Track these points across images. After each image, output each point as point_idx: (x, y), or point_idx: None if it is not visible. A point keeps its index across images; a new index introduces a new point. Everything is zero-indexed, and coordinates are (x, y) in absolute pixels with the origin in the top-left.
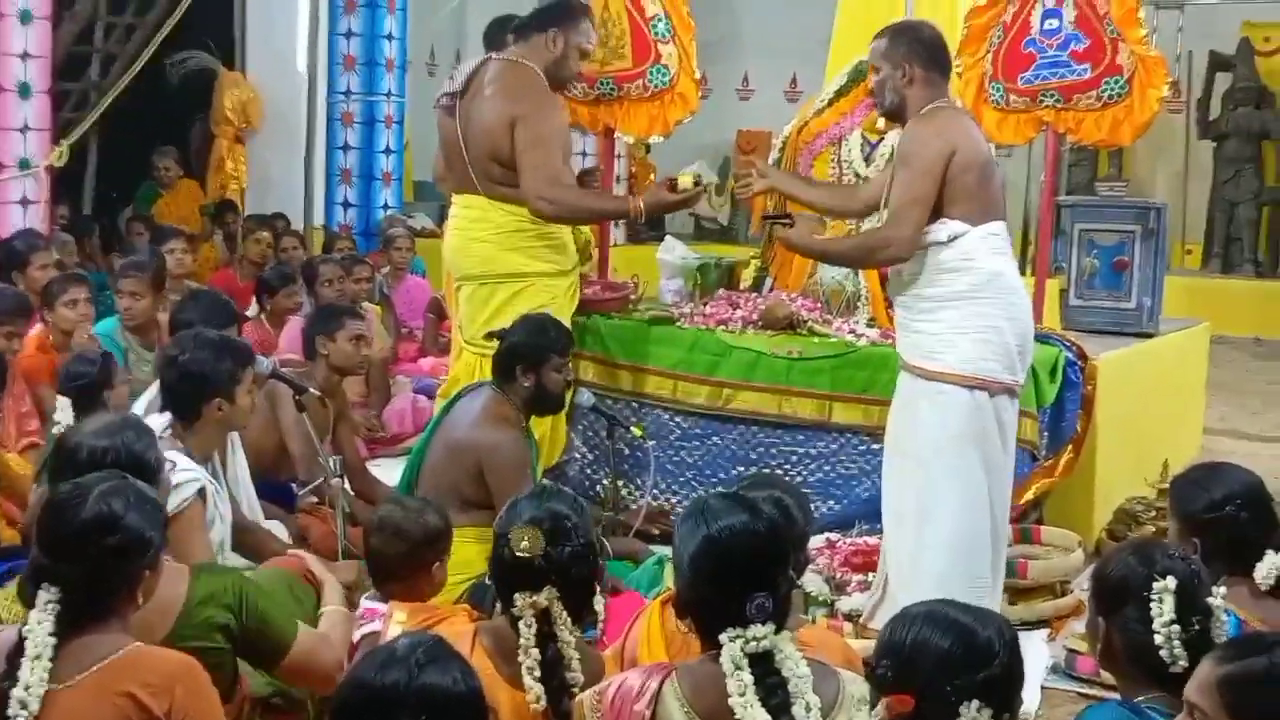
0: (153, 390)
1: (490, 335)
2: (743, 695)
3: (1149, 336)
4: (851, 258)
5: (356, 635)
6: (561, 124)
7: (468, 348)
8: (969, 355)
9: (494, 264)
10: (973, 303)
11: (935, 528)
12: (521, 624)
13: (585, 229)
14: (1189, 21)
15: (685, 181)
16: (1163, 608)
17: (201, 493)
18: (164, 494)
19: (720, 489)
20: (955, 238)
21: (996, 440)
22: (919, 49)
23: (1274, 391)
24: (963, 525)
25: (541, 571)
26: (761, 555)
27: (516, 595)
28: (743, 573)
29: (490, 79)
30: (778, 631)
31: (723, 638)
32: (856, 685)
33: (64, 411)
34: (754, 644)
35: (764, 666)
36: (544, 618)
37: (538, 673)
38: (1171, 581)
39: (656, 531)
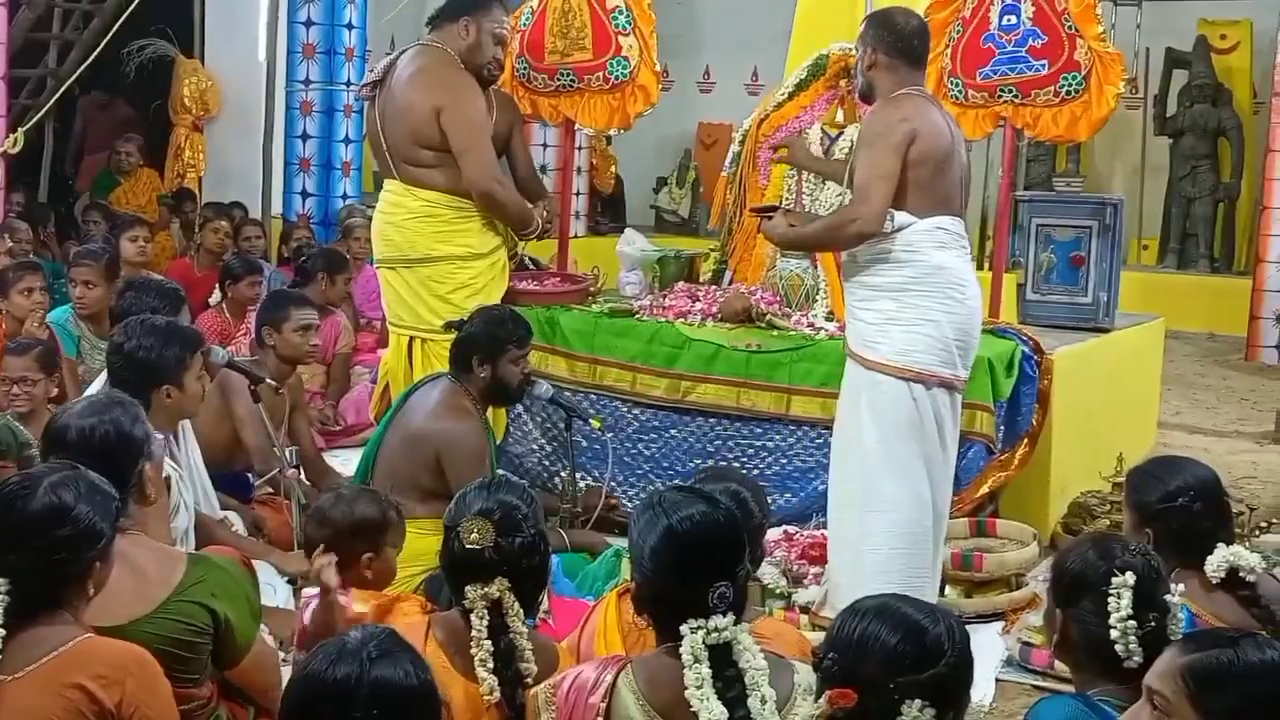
0: (102, 378)
1: (448, 326)
2: (699, 688)
3: (1105, 331)
4: (823, 239)
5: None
6: (483, 106)
7: (392, 328)
8: (902, 347)
9: (407, 248)
10: (911, 294)
11: (877, 517)
12: (473, 616)
13: None
14: (1147, 18)
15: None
16: (1120, 603)
17: (167, 480)
18: (156, 469)
19: (677, 482)
20: (900, 228)
21: (934, 434)
22: (886, 35)
23: (1228, 387)
24: (903, 516)
25: (492, 563)
26: (722, 545)
27: (468, 587)
28: (703, 563)
29: (407, 64)
30: (736, 623)
31: (684, 629)
32: (809, 675)
33: None
34: (715, 635)
35: (722, 658)
36: (496, 609)
37: (490, 664)
38: (1130, 577)
39: (616, 519)
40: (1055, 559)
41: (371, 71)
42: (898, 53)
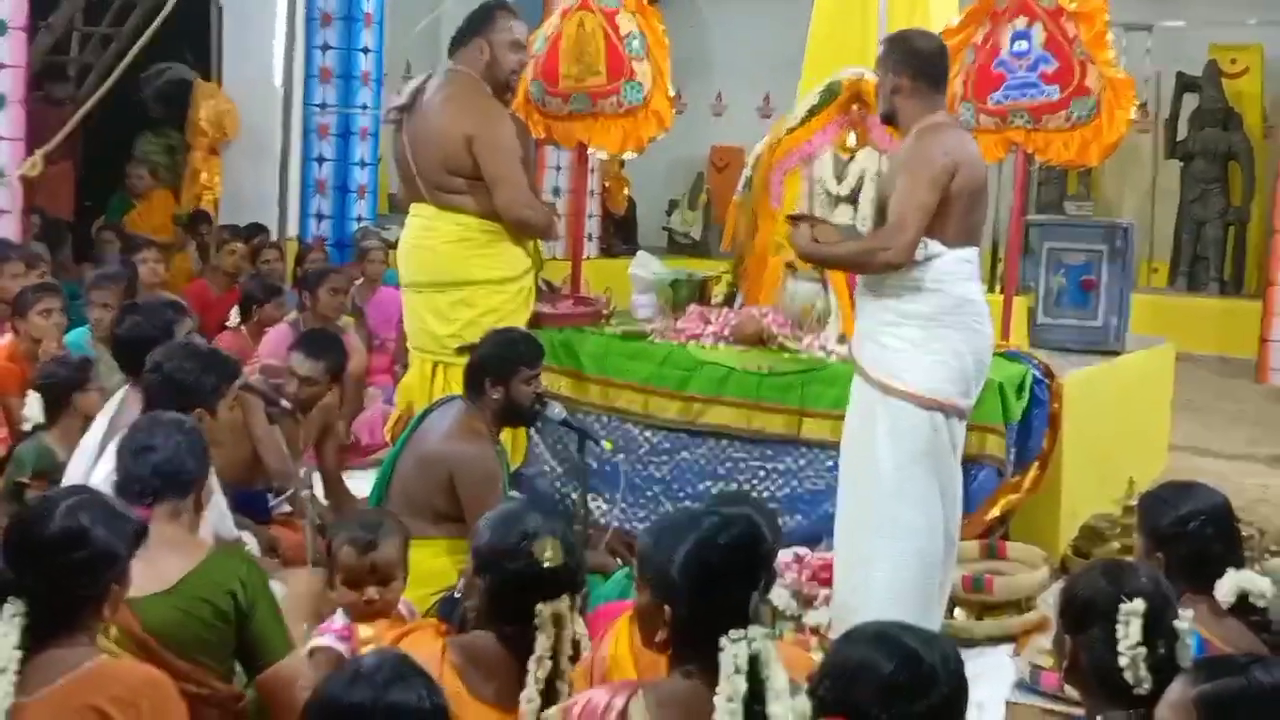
0: (118, 397)
1: (460, 349)
2: (730, 701)
3: (1115, 355)
4: (852, 262)
5: (309, 644)
6: (513, 132)
7: (414, 352)
8: (929, 376)
9: (438, 271)
10: (938, 325)
11: (888, 542)
12: (541, 635)
13: None
14: (1157, 43)
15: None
16: (1129, 630)
17: None
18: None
19: (689, 505)
20: (931, 258)
21: (950, 461)
22: (910, 59)
23: (1238, 410)
24: (916, 542)
25: (561, 580)
26: (752, 556)
27: (540, 606)
28: (739, 573)
29: (434, 90)
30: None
31: (724, 640)
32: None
33: (33, 408)
34: (755, 645)
35: (750, 673)
36: (556, 626)
37: (542, 685)
38: (1140, 604)
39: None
40: (1065, 584)
41: (398, 95)
42: (923, 76)
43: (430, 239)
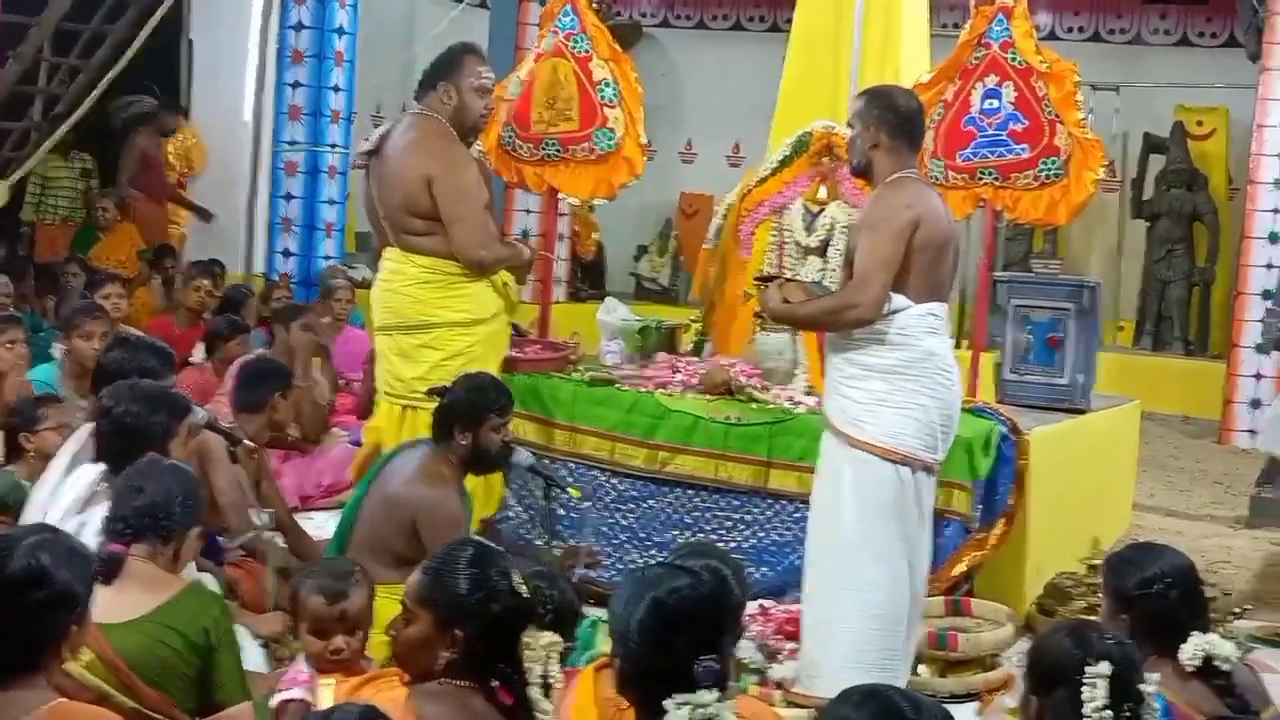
0: (79, 436)
1: (430, 392)
2: None
3: (1081, 412)
4: (819, 321)
5: (275, 699)
6: (475, 175)
7: (385, 396)
8: (892, 429)
9: (403, 313)
10: (902, 378)
11: (854, 595)
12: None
13: (504, 274)
14: (1125, 103)
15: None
16: (1095, 692)
17: None
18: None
19: (658, 559)
20: (895, 312)
21: (915, 515)
22: (889, 117)
23: (1202, 470)
24: (880, 596)
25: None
26: (708, 619)
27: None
28: (689, 636)
29: (400, 133)
30: (720, 700)
31: (668, 704)
32: None
33: None
34: (700, 711)
35: None
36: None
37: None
38: (1105, 667)
39: (593, 589)
40: (1031, 645)
41: (366, 141)
42: (901, 134)
43: (395, 281)
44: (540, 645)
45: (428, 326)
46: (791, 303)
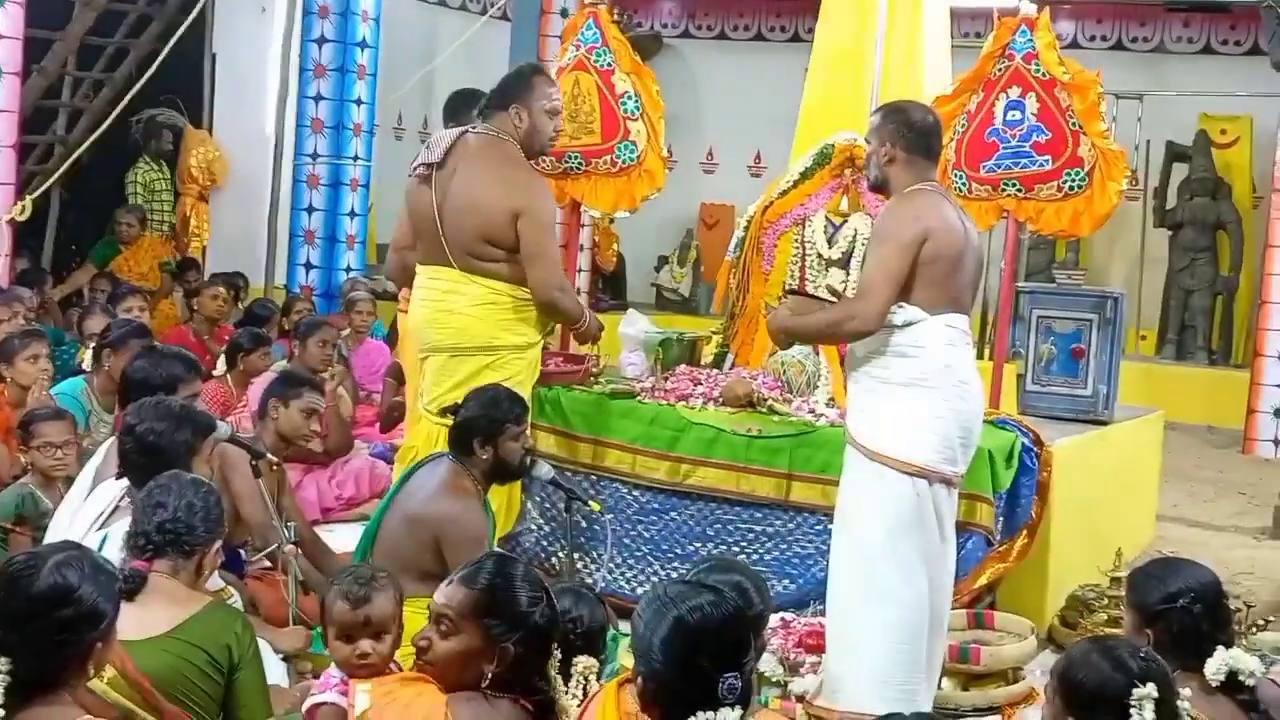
0: (102, 451)
1: (444, 411)
2: None
3: (1104, 424)
4: (822, 333)
5: (308, 703)
6: (555, 209)
7: (427, 416)
8: (909, 442)
9: (467, 336)
10: (920, 390)
11: (877, 609)
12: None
13: None
14: (1148, 112)
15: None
16: (1144, 715)
17: None
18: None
19: (681, 575)
20: (910, 323)
21: (934, 529)
22: (905, 131)
23: (1225, 480)
24: (903, 612)
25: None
26: (730, 636)
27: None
28: (712, 654)
29: (474, 154)
30: (742, 717)
31: None
32: None
33: None
34: None
35: None
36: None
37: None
38: (1152, 688)
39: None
40: (1063, 667)
41: (427, 150)
42: (916, 148)
43: (453, 302)
44: (578, 670)
45: (491, 349)
46: (794, 314)
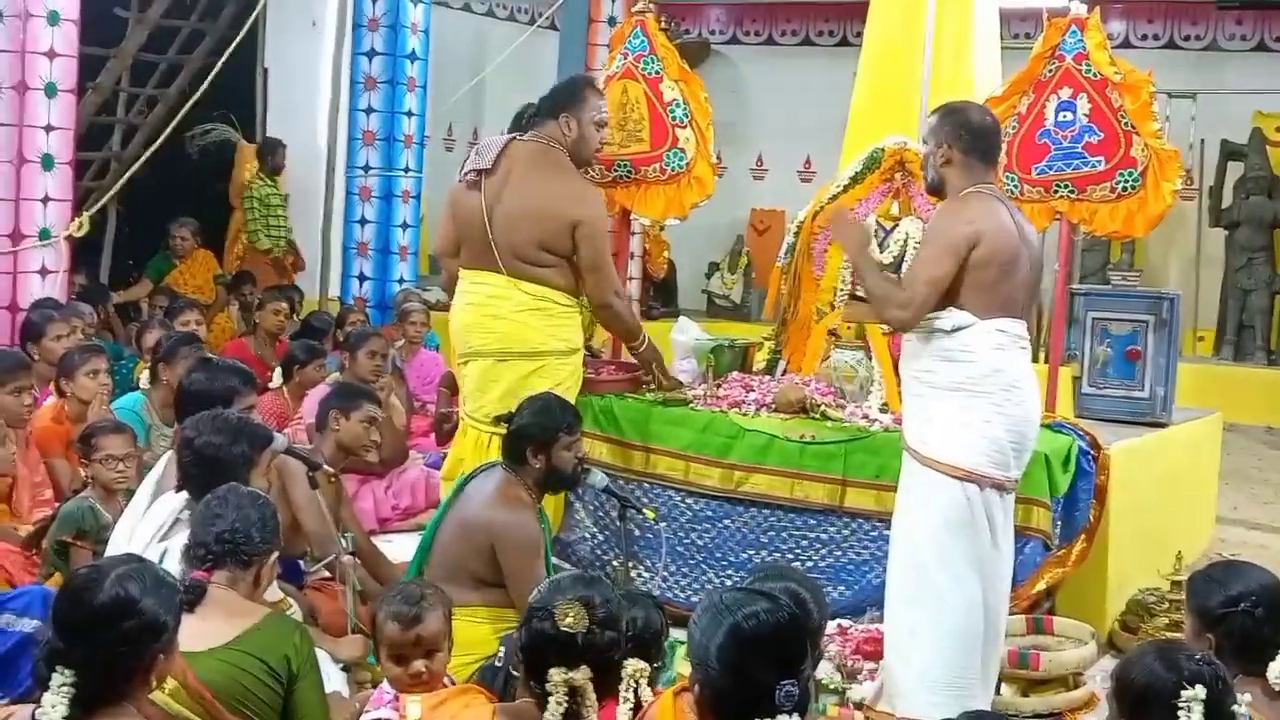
0: (161, 464)
1: (498, 419)
2: None
3: (1162, 426)
4: (871, 292)
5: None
6: (608, 217)
7: (472, 423)
8: (957, 446)
9: (513, 341)
10: (968, 395)
11: (927, 613)
12: (552, 700)
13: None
14: (1201, 110)
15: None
16: (1191, 716)
17: None
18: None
19: (736, 582)
20: (959, 328)
21: (986, 535)
22: (962, 133)
23: None
24: (956, 617)
25: (580, 649)
26: (788, 643)
27: (552, 670)
28: (770, 661)
29: (526, 161)
30: None
31: None
32: None
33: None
34: None
35: None
36: (573, 696)
37: None
38: (1200, 690)
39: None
40: (1118, 669)
41: (477, 156)
42: (974, 150)
43: (497, 306)
44: (628, 673)
45: (537, 354)
46: (869, 260)
